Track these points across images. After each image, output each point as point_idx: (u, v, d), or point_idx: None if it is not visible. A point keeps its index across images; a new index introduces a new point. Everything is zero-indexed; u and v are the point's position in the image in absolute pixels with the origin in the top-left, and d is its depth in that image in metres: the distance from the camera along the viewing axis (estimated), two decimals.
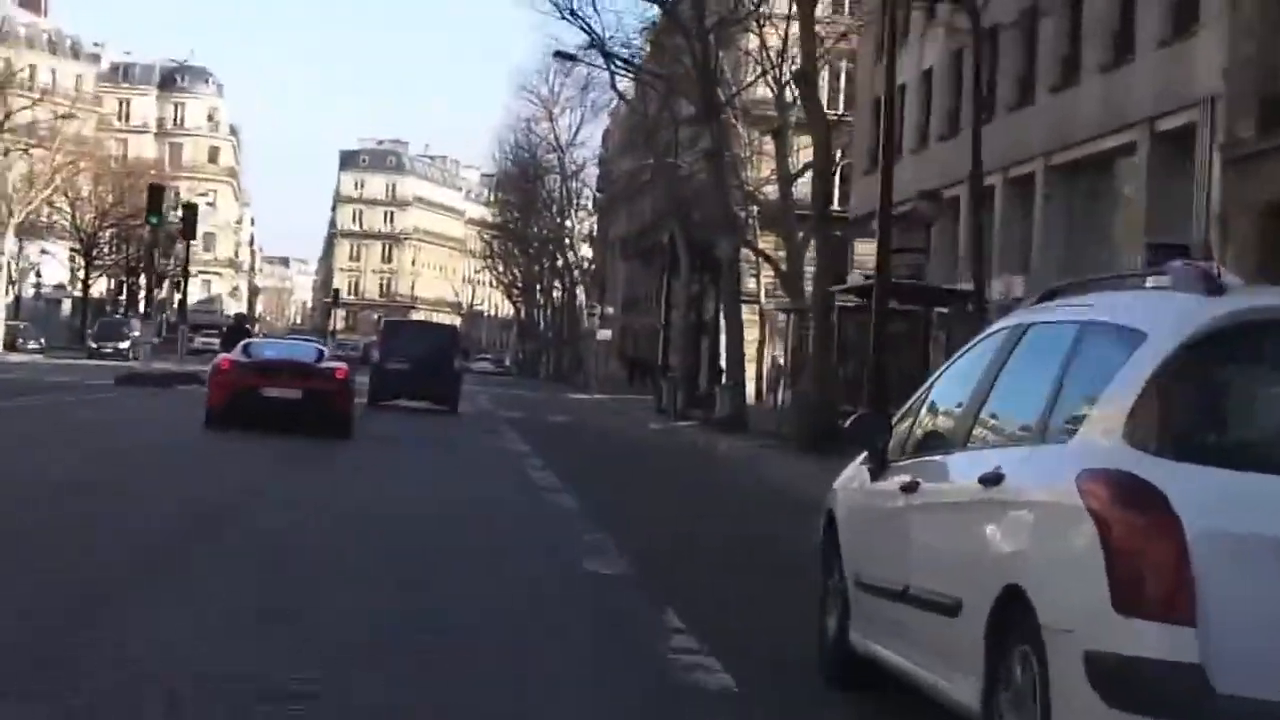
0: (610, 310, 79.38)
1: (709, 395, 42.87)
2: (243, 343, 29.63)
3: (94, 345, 78.82)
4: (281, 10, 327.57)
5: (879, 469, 8.09)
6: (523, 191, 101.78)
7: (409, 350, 40.34)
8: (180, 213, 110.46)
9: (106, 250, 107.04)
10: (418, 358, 39.66)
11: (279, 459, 22.04)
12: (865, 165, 47.03)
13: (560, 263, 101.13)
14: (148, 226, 51.62)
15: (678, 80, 46.50)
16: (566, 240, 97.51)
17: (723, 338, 43.65)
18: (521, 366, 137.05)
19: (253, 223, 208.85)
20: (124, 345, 75.06)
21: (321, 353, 28.95)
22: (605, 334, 76.12)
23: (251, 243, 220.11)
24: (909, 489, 7.44)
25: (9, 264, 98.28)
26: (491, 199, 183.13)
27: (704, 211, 51.96)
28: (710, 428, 39.46)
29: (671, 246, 52.70)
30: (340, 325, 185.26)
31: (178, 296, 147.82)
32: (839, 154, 58.33)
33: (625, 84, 56.39)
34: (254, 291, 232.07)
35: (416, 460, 24.28)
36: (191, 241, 53.14)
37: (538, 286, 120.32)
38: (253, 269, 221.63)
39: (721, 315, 43.10)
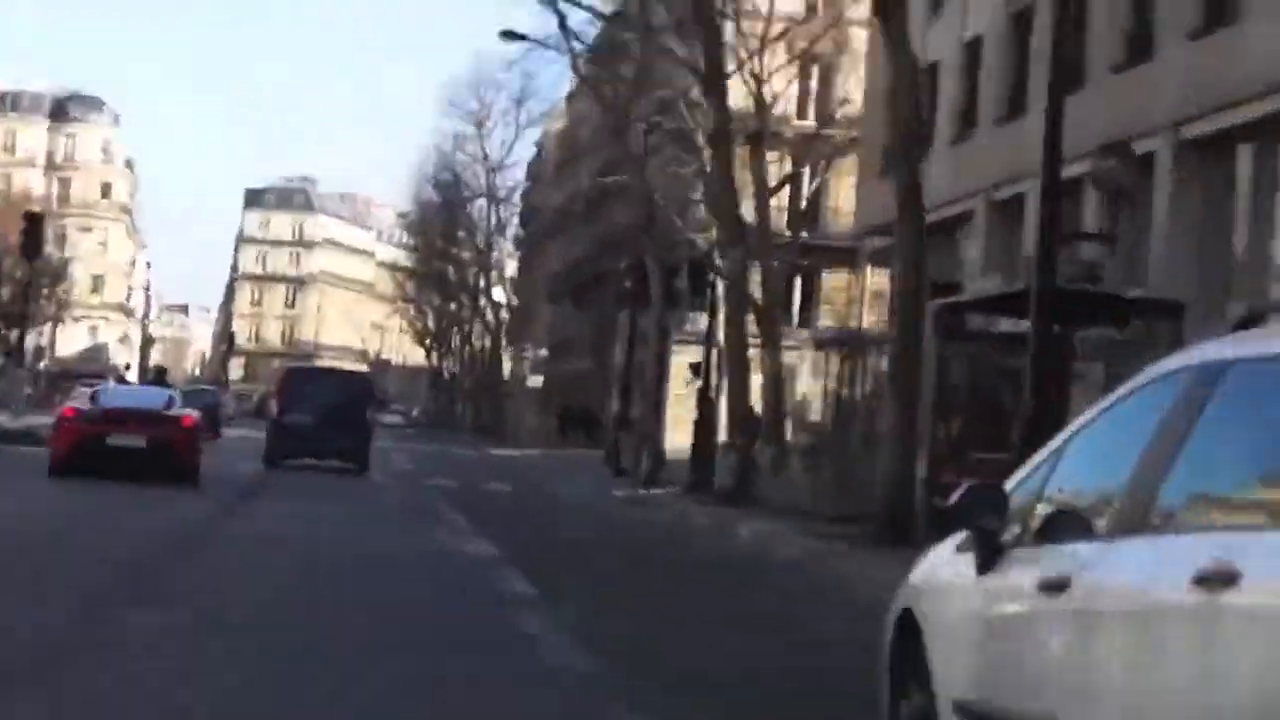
0: (542, 353, 70.53)
1: (697, 459, 33.84)
2: (90, 390, 30.23)
3: None
4: (183, 39, 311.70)
5: (990, 558, 6.28)
6: (445, 218, 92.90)
7: (314, 401, 35.50)
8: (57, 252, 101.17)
9: None
10: (324, 410, 34.94)
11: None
12: (879, 165, 38.38)
13: (482, 302, 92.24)
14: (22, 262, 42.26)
15: (652, 65, 38.07)
16: (493, 273, 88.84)
17: (715, 379, 34.90)
18: (432, 418, 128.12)
19: (148, 266, 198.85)
20: None
21: (172, 399, 28.49)
22: (536, 380, 67.36)
23: (147, 288, 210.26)
24: (1053, 588, 5.72)
25: None
26: (405, 239, 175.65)
27: (684, 222, 43.41)
28: (698, 500, 30.68)
29: (637, 271, 44.00)
30: (239, 375, 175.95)
31: (55, 340, 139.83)
32: (814, 168, 50.26)
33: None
34: (148, 340, 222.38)
35: (334, 597, 14.77)
36: (36, 260, 43.44)
37: (454, 330, 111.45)
38: (147, 316, 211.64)
39: (715, 353, 34.13)
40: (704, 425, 34.31)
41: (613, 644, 11.24)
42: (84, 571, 13.47)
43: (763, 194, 39.20)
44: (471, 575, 15.52)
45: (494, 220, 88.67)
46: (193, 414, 27.71)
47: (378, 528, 21.26)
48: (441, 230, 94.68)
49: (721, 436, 35.90)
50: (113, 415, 26.17)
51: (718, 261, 35.59)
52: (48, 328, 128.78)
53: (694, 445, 34.39)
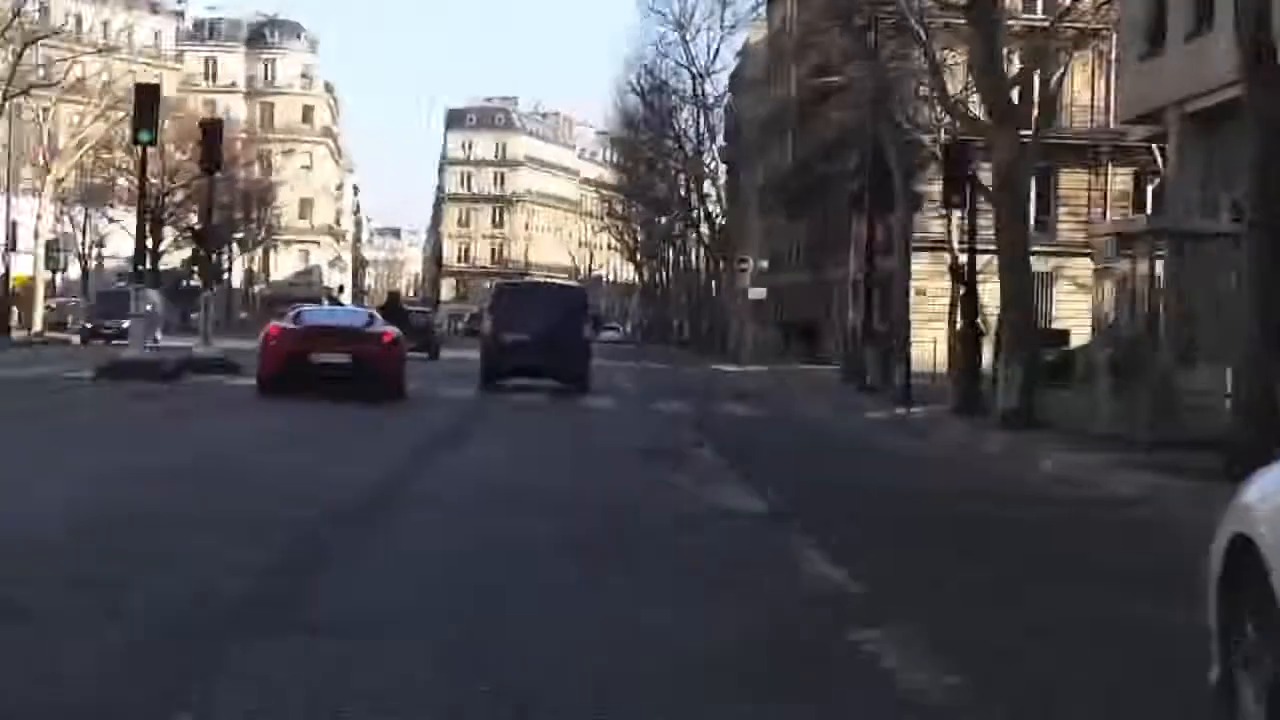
0: (763, 265, 66.27)
1: (966, 375, 29.48)
2: (294, 310, 30.21)
3: (87, 325, 60.31)
4: None
5: None
6: (652, 128, 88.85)
7: (528, 319, 33.15)
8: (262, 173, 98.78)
9: (178, 216, 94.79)
10: (539, 328, 32.72)
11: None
12: (1139, 48, 33.54)
13: (696, 213, 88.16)
14: (210, 179, 38.99)
15: None
16: (705, 183, 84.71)
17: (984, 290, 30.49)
18: (646, 334, 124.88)
19: (356, 191, 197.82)
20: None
21: (372, 318, 29.35)
22: (759, 292, 63.13)
23: (356, 211, 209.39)
24: None
25: (68, 235, 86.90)
26: (608, 156, 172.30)
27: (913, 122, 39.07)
28: (972, 423, 26.47)
29: (876, 169, 39.62)
30: (450, 295, 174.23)
31: (268, 265, 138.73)
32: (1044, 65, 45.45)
33: None
34: (361, 263, 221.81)
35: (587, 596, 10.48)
36: (216, 174, 39.82)
37: (665, 244, 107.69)
38: (358, 239, 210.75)
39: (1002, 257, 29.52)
40: (970, 337, 29.96)
41: (1007, 674, 7.27)
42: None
43: (995, 71, 34.87)
44: (755, 551, 11.47)
45: (703, 128, 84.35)
46: (394, 331, 28.10)
47: (614, 471, 17.35)
48: (649, 141, 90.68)
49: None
50: (315, 333, 26.78)
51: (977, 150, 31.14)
52: (258, 252, 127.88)
53: (959, 359, 30.10)
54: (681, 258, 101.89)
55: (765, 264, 67.31)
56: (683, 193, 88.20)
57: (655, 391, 37.00)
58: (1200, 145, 30.06)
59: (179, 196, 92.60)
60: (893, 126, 38.64)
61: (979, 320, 30.54)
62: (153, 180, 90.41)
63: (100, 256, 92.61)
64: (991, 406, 27.30)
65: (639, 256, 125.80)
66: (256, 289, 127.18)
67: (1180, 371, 22.58)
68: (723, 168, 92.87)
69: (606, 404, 30.70)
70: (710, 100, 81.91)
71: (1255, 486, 6.30)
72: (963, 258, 32.93)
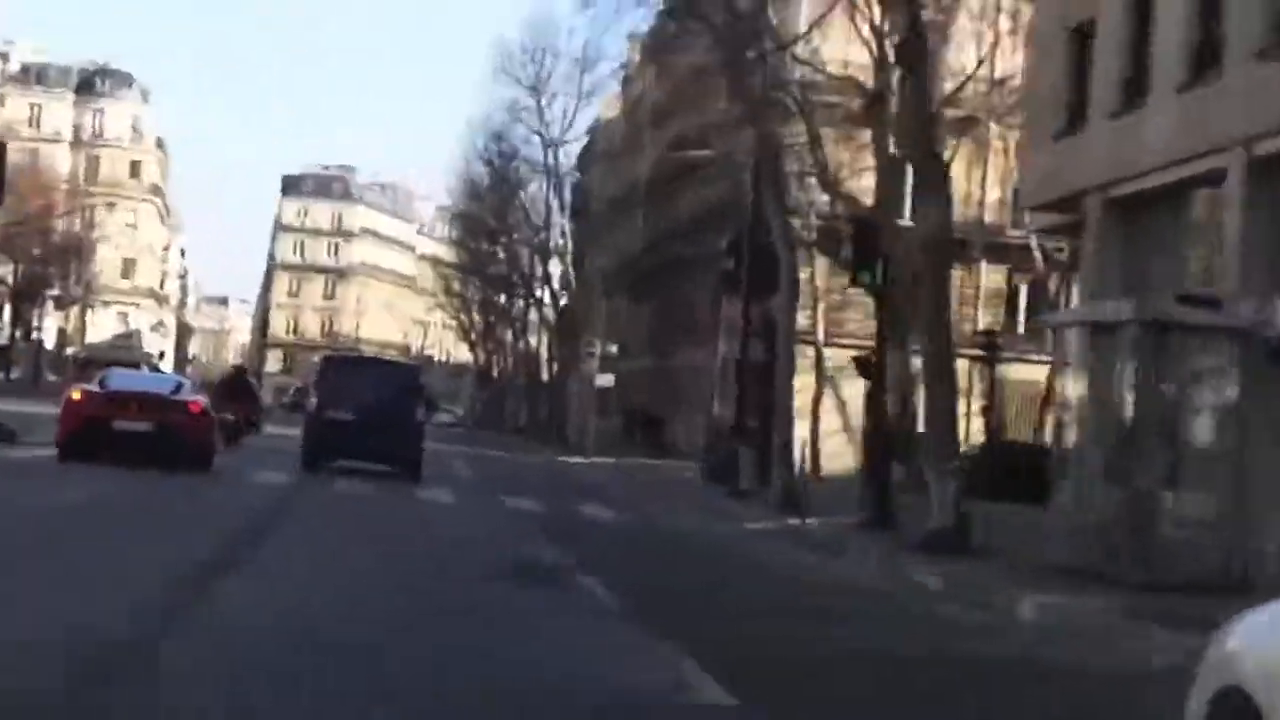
0: (612, 349, 61.60)
1: (873, 483, 24.82)
2: (100, 374, 29.66)
3: None
4: (215, 15, 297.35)
5: None
6: (498, 197, 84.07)
7: (357, 396, 30.66)
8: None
9: None
10: (368, 405, 30.12)
11: None
12: (1058, 126, 29.43)
13: (539, 292, 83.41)
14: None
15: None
16: (551, 260, 80.00)
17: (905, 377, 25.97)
18: (479, 419, 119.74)
19: (183, 253, 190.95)
20: None
21: (180, 385, 29.03)
22: (606, 379, 58.40)
23: (184, 276, 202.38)
24: None
25: None
26: (448, 233, 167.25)
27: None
28: (886, 543, 21.89)
29: (751, 239, 35.34)
30: (277, 367, 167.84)
31: (84, 325, 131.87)
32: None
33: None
34: (185, 330, 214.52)
35: None
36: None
37: (503, 325, 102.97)
38: (183, 304, 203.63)
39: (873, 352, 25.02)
40: (877, 439, 25.46)
41: None
42: None
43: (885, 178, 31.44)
44: None
45: (552, 200, 79.67)
46: (200, 400, 27.36)
47: (459, 606, 12.46)
48: (494, 209, 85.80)
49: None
50: (119, 398, 25.79)
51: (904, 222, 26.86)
52: (73, 311, 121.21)
53: (867, 463, 25.59)
54: (521, 341, 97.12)
55: (614, 348, 62.67)
56: (526, 270, 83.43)
57: (496, 483, 32.36)
58: (1119, 233, 26.21)
59: None
60: (777, 196, 34.30)
61: (882, 422, 26.09)
62: None
63: None
64: (904, 522, 22.83)
65: (474, 337, 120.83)
66: (70, 350, 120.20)
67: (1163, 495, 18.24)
68: (570, 245, 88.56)
69: (443, 496, 25.98)
70: (562, 171, 77.30)
71: (1238, 633, 5.96)
72: (869, 349, 28.40)
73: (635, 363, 73.55)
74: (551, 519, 23.46)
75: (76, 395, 26.22)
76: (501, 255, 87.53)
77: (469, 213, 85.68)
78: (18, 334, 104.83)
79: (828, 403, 53.38)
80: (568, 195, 78.86)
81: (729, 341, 39.03)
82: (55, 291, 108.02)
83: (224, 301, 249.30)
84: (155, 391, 26.83)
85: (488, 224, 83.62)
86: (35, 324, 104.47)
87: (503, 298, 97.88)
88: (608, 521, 25.11)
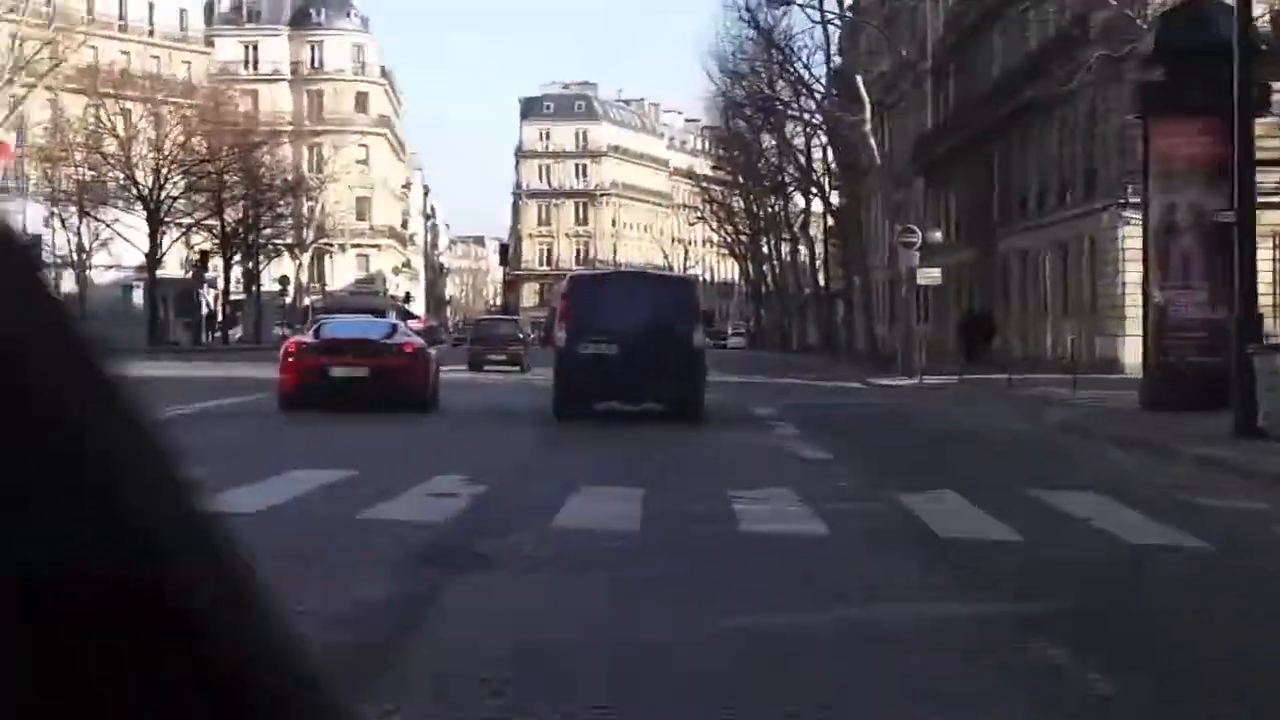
0: (937, 235, 48.67)
1: None
2: (316, 323, 30.51)
3: None
4: None
5: None
6: (762, 63, 70.79)
7: (618, 320, 24.60)
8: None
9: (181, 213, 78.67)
10: (634, 332, 24.17)
11: None
12: None
13: (820, 183, 70.23)
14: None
15: None
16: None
17: None
18: (754, 340, 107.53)
19: (426, 191, 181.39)
20: None
21: (394, 328, 29.28)
22: (932, 275, 45.48)
23: (430, 215, 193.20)
24: None
25: (63, 239, 71.06)
26: (701, 145, 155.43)
27: None
28: None
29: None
30: (533, 302, 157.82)
31: (321, 272, 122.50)
32: None
33: None
34: (439, 271, 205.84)
35: None
36: None
37: (781, 232, 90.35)
38: (433, 245, 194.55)
39: None
40: None
41: None
42: None
43: None
44: None
45: (832, 53, 66.15)
46: (415, 341, 27.58)
47: None
48: (757, 91, 72.61)
49: None
50: (332, 346, 26.15)
51: None
52: (307, 258, 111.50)
53: None
54: (801, 246, 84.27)
55: (939, 235, 49.68)
56: (803, 156, 70.25)
57: (844, 442, 20.25)
58: None
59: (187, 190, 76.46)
60: None
61: None
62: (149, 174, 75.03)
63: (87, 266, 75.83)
64: None
65: (741, 250, 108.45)
66: (309, 301, 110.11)
67: None
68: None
69: (802, 518, 13.12)
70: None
71: None
72: None
73: (949, 256, 60.67)
74: (1023, 549, 10.80)
75: (293, 347, 26.89)
76: (771, 143, 74.72)
77: (732, 99, 72.36)
78: (235, 289, 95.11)
79: None
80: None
81: (1164, 194, 25.73)
82: (279, 238, 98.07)
83: (479, 240, 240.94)
84: (369, 337, 26.98)
85: (759, 95, 70.00)
86: (253, 275, 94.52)
87: (773, 201, 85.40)
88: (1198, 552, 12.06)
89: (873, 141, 49.02)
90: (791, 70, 62.10)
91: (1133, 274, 45.77)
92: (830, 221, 74.88)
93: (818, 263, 77.72)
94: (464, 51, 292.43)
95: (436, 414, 25.48)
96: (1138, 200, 45.99)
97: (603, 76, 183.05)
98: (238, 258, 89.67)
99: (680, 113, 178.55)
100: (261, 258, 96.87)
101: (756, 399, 32.77)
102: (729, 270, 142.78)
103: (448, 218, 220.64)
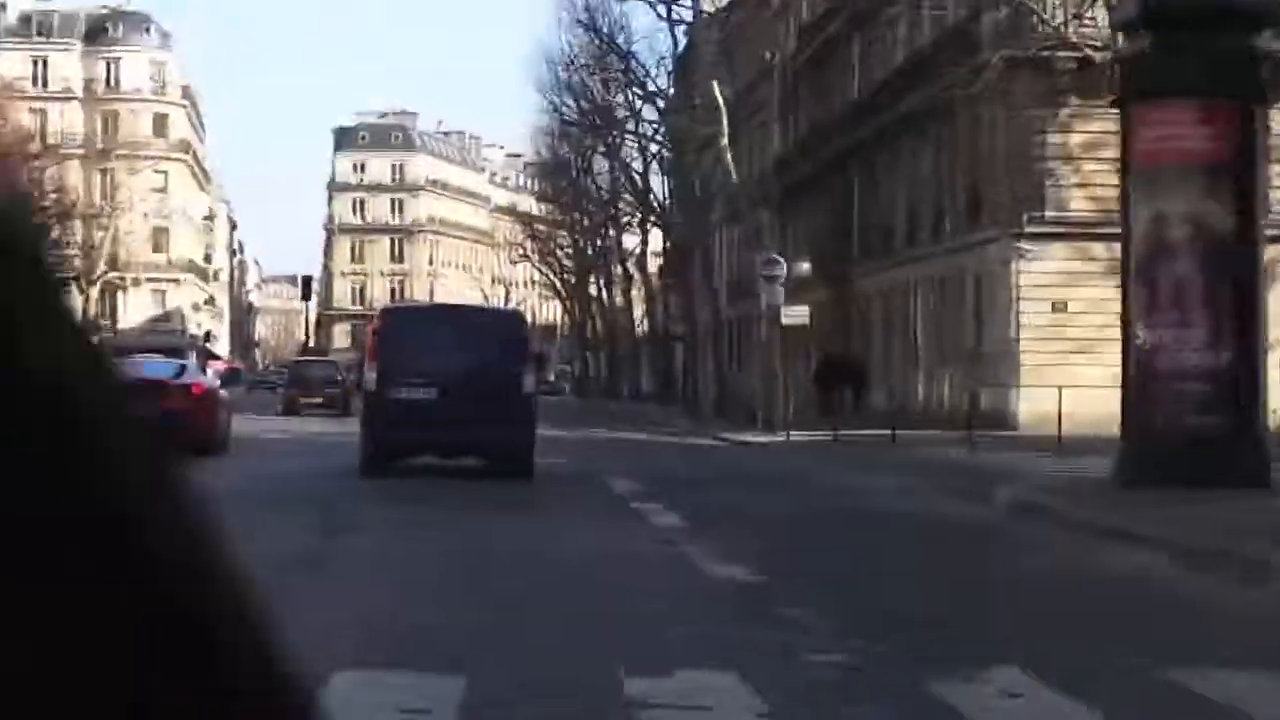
0: (804, 268, 42.38)
1: None
2: None
3: None
4: None
5: None
6: (591, 93, 64.12)
7: (436, 360, 21.89)
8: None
9: None
10: (455, 373, 21.65)
11: None
12: None
13: (658, 209, 63.45)
14: None
15: None
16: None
17: None
18: (578, 386, 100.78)
19: (234, 225, 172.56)
20: None
21: (183, 368, 28.35)
22: (798, 314, 39.21)
23: (239, 250, 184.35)
24: None
25: None
26: (523, 182, 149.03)
27: None
28: None
29: None
30: (345, 343, 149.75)
31: (113, 308, 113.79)
32: None
33: None
34: (247, 310, 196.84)
35: None
36: None
37: (606, 266, 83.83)
38: (241, 282, 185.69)
39: None
40: None
41: None
42: None
43: None
44: None
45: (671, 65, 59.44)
46: (205, 381, 27.75)
47: None
48: (596, 104, 65.84)
49: None
50: None
51: None
52: (95, 292, 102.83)
53: None
54: (634, 283, 77.66)
55: (806, 267, 43.31)
56: (640, 179, 63.47)
57: (703, 515, 14.48)
58: None
59: None
60: None
61: None
62: None
63: None
64: None
65: (566, 290, 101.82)
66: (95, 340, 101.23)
67: None
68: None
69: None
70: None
71: None
72: None
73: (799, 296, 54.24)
74: None
75: None
76: (605, 168, 68.02)
77: (563, 115, 65.16)
78: None
79: None
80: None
81: (1149, 201, 19.54)
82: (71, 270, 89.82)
83: (293, 280, 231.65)
84: (154, 377, 25.67)
85: (593, 109, 62.92)
86: None
87: (605, 233, 78.73)
88: None
89: (729, 158, 42.48)
90: (633, 76, 55.26)
91: (1031, 315, 39.82)
92: (665, 256, 68.58)
93: (656, 302, 71.06)
94: (276, 76, 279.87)
95: (216, 466, 22.23)
96: (1036, 230, 40.31)
97: (422, 107, 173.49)
98: None
99: (502, 147, 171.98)
100: None
101: (605, 462, 26.19)
102: (552, 312, 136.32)
103: (260, 255, 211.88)
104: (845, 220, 55.19)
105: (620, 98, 60.41)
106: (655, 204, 64.17)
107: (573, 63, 61.84)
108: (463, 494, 18.84)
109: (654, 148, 61.76)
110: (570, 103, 63.71)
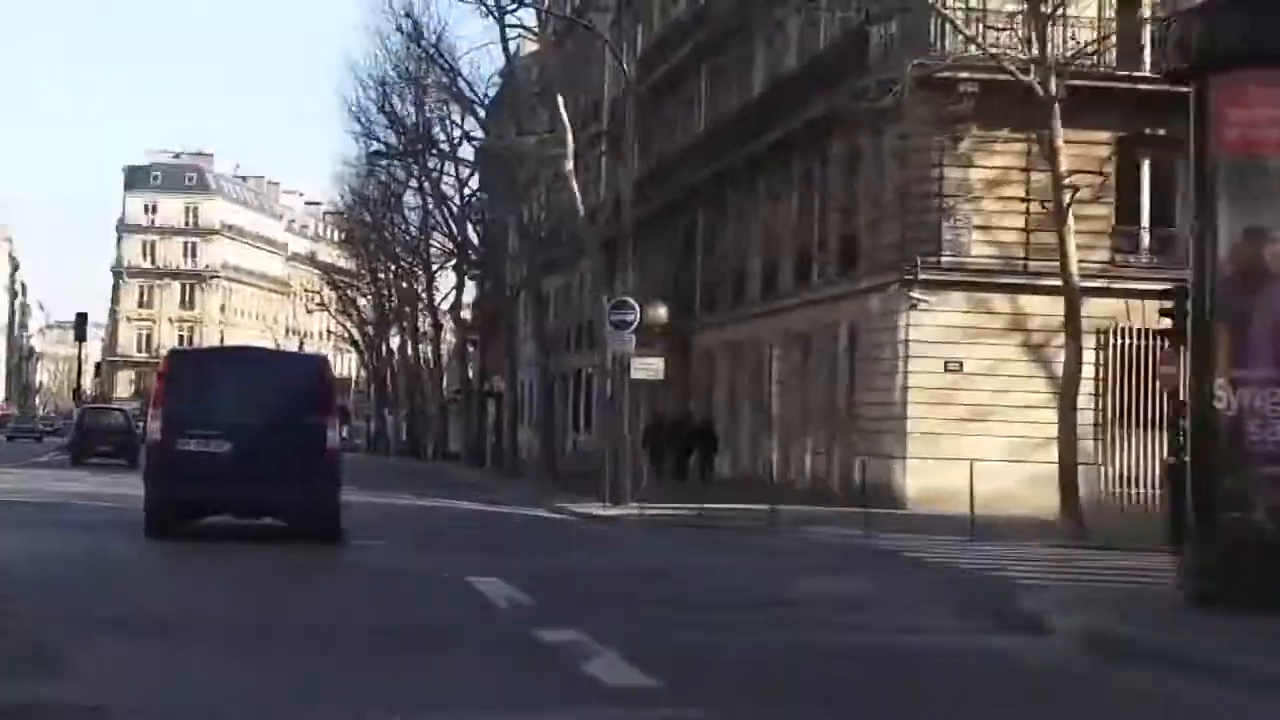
0: (660, 312, 36.77)
1: None
2: None
3: None
4: None
5: None
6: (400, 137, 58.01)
7: (229, 408, 20.10)
8: None
9: None
10: (248, 426, 19.92)
11: None
12: None
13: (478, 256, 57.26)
14: None
15: None
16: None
17: None
18: (376, 443, 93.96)
19: (16, 265, 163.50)
20: None
21: None
22: (651, 367, 33.59)
23: (21, 293, 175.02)
24: None
25: None
26: (320, 230, 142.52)
27: None
28: None
29: None
30: (129, 392, 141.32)
31: None
32: None
33: None
34: (27, 355, 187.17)
35: None
36: None
37: (403, 320, 77.66)
38: (21, 325, 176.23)
39: None
40: None
41: None
42: None
43: None
44: None
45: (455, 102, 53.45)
46: None
47: None
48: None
49: None
50: None
51: None
52: None
53: None
54: (444, 333, 71.34)
55: (663, 312, 37.59)
56: (458, 208, 57.10)
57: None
58: None
59: None
60: None
61: None
62: None
63: None
64: None
65: (364, 338, 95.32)
66: None
67: None
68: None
69: None
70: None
71: None
72: None
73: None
74: None
75: None
76: (418, 205, 61.67)
77: (380, 148, 58.57)
78: None
79: None
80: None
81: (1240, 213, 14.05)
82: None
83: (81, 325, 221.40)
84: None
85: (405, 131, 56.46)
86: None
87: (415, 278, 72.50)
88: None
89: (575, 184, 36.47)
90: (458, 91, 48.84)
91: (920, 375, 34.41)
92: (479, 303, 62.65)
93: (470, 353, 64.80)
94: (60, 109, 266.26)
95: None
96: (931, 277, 34.94)
97: (218, 148, 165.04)
98: None
99: (302, 194, 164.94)
100: None
101: (442, 546, 20.25)
102: (348, 365, 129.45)
103: (45, 299, 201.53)
104: (687, 267, 49.63)
105: (441, 117, 54.23)
106: (470, 246, 57.93)
107: (385, 81, 55.59)
108: (264, 602, 12.75)
109: (475, 182, 55.61)
110: (384, 126, 57.36)
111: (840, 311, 37.94)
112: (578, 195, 36.25)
